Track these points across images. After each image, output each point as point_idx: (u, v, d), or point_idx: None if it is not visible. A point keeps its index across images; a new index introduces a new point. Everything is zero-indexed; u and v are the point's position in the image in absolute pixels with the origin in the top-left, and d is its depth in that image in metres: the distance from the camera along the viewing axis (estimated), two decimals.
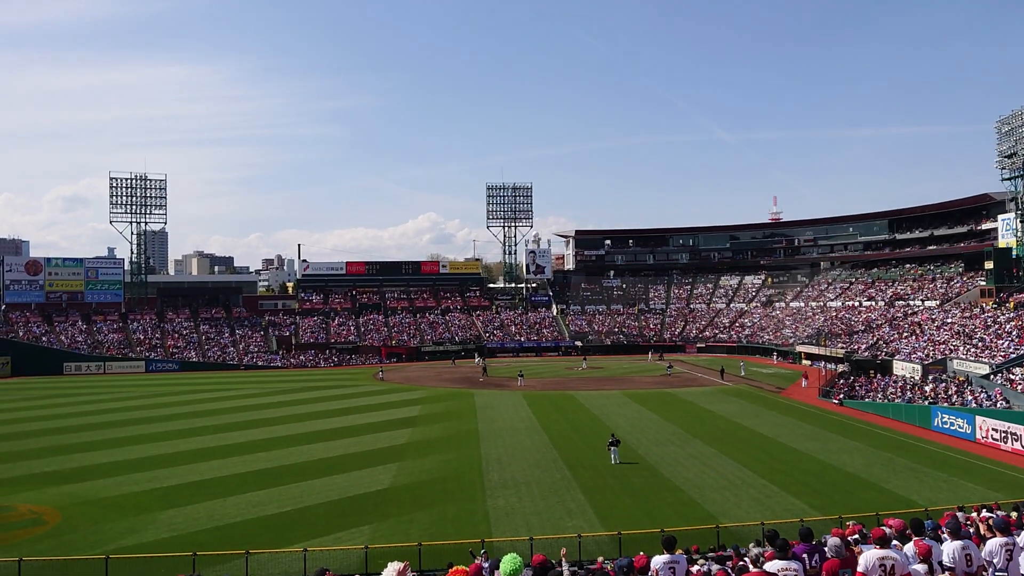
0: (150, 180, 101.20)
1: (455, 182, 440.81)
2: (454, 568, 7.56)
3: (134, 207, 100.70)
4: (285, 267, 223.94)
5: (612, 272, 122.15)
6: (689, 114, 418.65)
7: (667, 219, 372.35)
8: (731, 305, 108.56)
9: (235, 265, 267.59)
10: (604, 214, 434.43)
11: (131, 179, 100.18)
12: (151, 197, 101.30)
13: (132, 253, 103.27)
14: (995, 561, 8.82)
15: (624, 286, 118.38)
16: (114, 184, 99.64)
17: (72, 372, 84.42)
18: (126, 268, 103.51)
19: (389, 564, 7.09)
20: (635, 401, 54.14)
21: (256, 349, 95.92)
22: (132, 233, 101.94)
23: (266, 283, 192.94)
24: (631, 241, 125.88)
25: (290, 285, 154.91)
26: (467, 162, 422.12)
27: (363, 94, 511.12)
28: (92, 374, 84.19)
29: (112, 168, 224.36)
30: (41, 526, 25.05)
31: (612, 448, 33.85)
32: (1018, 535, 9.49)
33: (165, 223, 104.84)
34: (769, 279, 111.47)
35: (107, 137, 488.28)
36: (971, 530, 11.25)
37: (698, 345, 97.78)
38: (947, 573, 8.60)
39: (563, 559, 15.71)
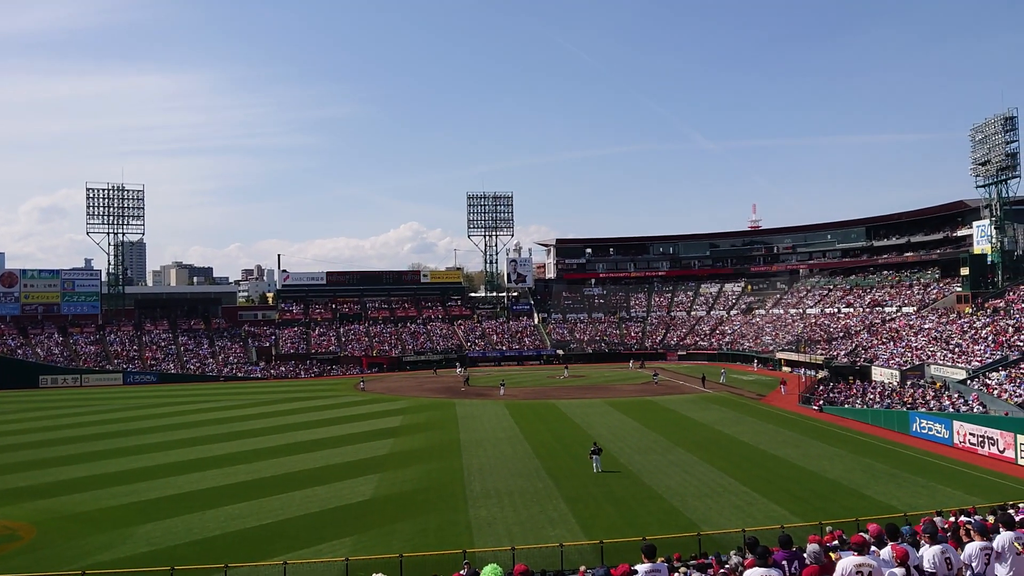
0: (128, 190, 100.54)
1: (437, 192, 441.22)
2: None
3: (111, 218, 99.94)
4: (265, 277, 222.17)
5: (593, 280, 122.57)
6: (671, 122, 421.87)
7: (648, 227, 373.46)
8: (711, 312, 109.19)
9: (214, 276, 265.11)
10: (585, 223, 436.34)
11: (108, 190, 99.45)
12: (129, 208, 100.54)
13: (109, 264, 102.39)
14: (974, 565, 8.91)
15: (605, 294, 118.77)
16: (91, 195, 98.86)
17: (48, 385, 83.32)
18: (103, 279, 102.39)
19: None
20: (617, 409, 54.21)
21: (236, 360, 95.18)
22: (109, 244, 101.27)
23: (246, 294, 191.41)
24: (612, 249, 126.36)
25: (270, 296, 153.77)
26: (449, 172, 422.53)
27: (344, 104, 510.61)
28: (69, 387, 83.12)
29: (89, 178, 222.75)
30: (16, 541, 24.63)
31: (594, 457, 33.87)
32: (995, 539, 9.60)
33: (143, 234, 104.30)
34: (749, 286, 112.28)
35: (84, 147, 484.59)
36: (947, 534, 11.35)
37: (679, 353, 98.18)
38: None
39: None
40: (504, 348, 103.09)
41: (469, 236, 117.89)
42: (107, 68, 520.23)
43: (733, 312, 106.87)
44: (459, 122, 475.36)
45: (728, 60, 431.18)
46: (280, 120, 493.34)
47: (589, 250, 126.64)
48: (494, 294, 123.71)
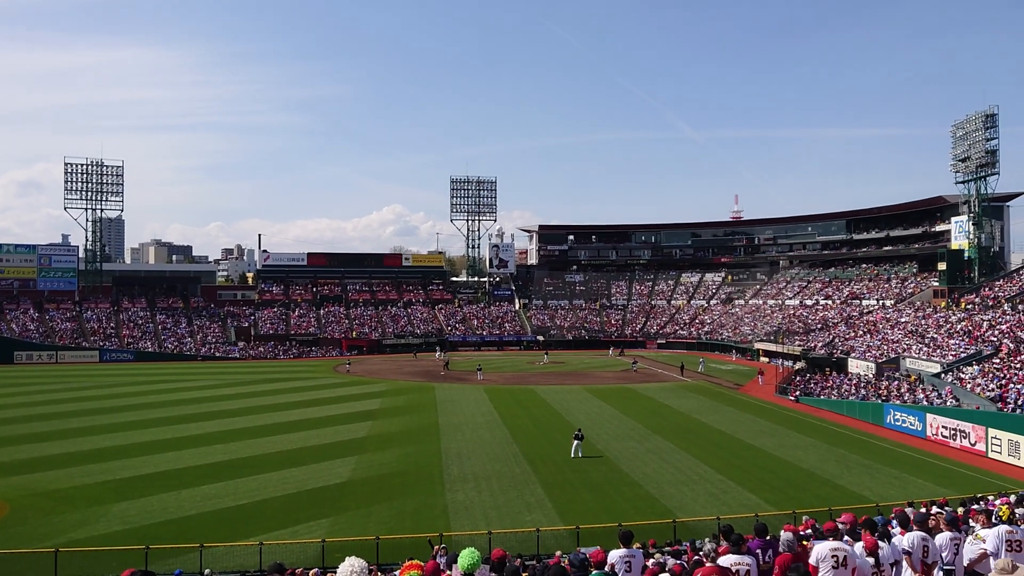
0: (107, 166, 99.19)
1: (420, 175, 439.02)
2: (409, 561, 7.50)
3: (90, 193, 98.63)
4: (245, 257, 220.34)
5: (575, 267, 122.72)
6: (656, 110, 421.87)
7: (630, 215, 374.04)
8: (692, 302, 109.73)
9: (194, 254, 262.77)
10: (568, 209, 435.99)
11: (87, 165, 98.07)
12: (108, 183, 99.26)
13: (87, 240, 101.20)
14: (944, 555, 9.07)
15: (587, 281, 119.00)
16: (69, 170, 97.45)
17: (23, 361, 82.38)
18: (81, 256, 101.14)
19: (347, 559, 7.02)
20: (596, 396, 54.46)
21: (214, 340, 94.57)
22: (87, 220, 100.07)
23: (225, 273, 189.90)
24: (594, 237, 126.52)
25: (250, 276, 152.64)
26: (432, 155, 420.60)
27: (329, 84, 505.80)
28: (44, 363, 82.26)
29: (68, 153, 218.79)
30: None
31: (576, 442, 34.02)
32: (965, 531, 9.76)
33: (122, 210, 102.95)
34: (729, 277, 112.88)
35: (64, 121, 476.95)
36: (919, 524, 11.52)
37: (659, 341, 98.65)
38: (904, 557, 8.85)
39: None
40: (484, 333, 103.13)
41: (452, 220, 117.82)
42: (88, 40, 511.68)
43: (713, 302, 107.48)
44: (444, 105, 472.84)
45: (715, 50, 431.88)
46: (264, 98, 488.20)
47: (571, 237, 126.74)
48: (476, 279, 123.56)
